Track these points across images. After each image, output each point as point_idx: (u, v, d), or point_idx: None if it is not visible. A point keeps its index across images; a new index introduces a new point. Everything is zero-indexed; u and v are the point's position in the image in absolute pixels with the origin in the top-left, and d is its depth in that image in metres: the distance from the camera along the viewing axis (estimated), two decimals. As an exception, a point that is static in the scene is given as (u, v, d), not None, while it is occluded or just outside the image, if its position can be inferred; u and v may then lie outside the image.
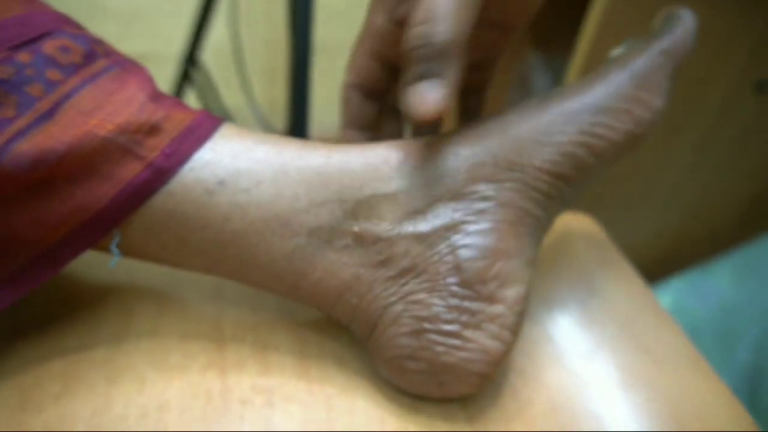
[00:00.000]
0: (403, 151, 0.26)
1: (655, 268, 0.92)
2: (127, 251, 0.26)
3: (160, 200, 0.24)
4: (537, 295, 0.34)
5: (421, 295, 0.25)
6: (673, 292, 0.79)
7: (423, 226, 0.25)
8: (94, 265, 0.32)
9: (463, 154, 0.26)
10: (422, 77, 0.23)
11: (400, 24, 0.27)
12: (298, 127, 0.64)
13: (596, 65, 0.74)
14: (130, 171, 0.24)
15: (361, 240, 0.25)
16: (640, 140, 0.27)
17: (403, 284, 0.25)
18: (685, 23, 0.28)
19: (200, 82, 0.88)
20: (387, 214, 0.25)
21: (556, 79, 1.08)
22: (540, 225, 0.27)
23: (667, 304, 0.78)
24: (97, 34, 0.26)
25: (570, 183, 0.26)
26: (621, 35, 0.63)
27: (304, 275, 0.25)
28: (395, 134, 0.32)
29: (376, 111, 0.31)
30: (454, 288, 0.25)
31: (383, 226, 0.25)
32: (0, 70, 0.21)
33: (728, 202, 0.87)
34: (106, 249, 0.26)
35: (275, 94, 1.17)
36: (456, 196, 0.25)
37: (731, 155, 0.80)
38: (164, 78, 0.92)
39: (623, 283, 0.37)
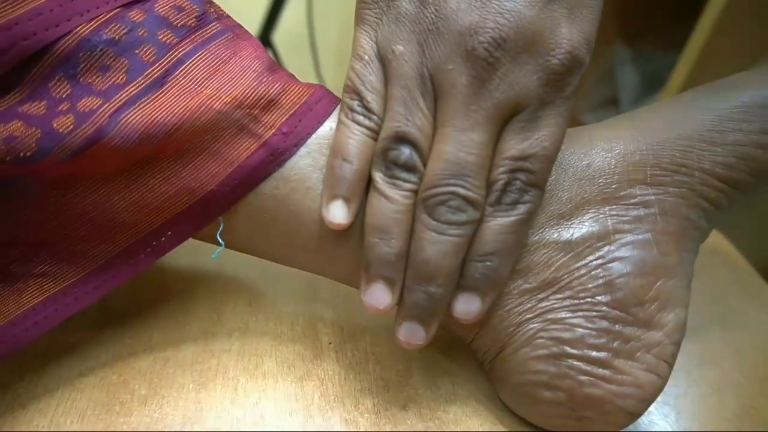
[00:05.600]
0: None
1: None
2: (226, 243, 0.23)
3: (272, 186, 0.22)
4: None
5: (563, 314, 0.21)
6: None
7: (569, 233, 0.21)
8: (182, 253, 0.29)
9: (618, 151, 0.22)
10: (416, 312, 0.21)
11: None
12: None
13: (709, 65, 0.68)
14: (243, 150, 0.21)
15: None
16: None
17: (542, 299, 0.21)
18: None
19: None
20: None
21: (645, 74, 1.01)
22: (703, 239, 0.22)
23: None
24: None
25: (744, 191, 0.22)
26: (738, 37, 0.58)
27: None
28: None
29: None
30: (605, 308, 0.21)
31: None
32: (112, 29, 0.19)
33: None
34: (206, 238, 0.23)
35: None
36: (608, 199, 0.21)
37: None
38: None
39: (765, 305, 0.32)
